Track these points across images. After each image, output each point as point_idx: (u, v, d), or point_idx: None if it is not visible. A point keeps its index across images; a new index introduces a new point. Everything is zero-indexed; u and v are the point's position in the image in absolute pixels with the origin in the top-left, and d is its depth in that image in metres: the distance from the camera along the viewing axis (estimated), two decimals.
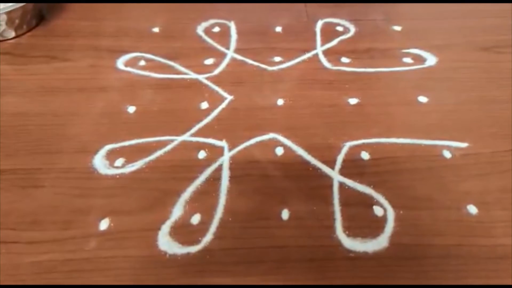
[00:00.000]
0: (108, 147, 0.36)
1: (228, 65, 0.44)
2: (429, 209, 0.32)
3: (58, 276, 0.28)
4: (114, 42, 0.47)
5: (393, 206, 0.32)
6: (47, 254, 0.29)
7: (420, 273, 0.28)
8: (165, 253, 0.29)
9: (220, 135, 0.37)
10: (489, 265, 0.28)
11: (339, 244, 0.30)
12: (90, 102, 0.40)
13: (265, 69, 0.44)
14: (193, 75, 0.43)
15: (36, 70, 0.44)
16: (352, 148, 0.36)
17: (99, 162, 0.35)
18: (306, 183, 0.33)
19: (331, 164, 0.35)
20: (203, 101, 0.40)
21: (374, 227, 0.30)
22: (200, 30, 0.49)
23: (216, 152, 0.36)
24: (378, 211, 0.31)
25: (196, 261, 0.29)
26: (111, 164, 0.35)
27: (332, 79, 0.43)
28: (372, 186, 0.33)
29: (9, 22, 0.46)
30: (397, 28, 0.49)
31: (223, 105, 0.40)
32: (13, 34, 0.47)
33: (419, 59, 0.45)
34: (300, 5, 0.53)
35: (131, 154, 0.35)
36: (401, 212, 0.31)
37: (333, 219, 0.31)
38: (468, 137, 0.37)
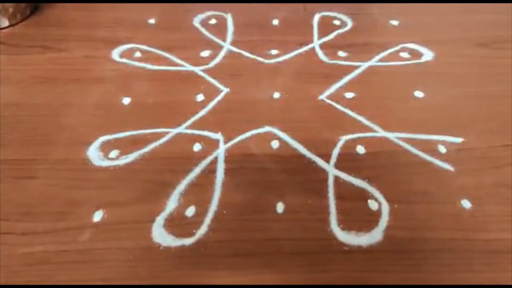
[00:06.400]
0: (103, 138, 0.36)
1: (224, 57, 0.44)
2: (424, 203, 0.32)
3: (51, 268, 0.28)
4: (110, 33, 0.47)
5: (388, 200, 0.32)
6: (40, 245, 0.29)
7: (414, 267, 0.28)
8: (159, 245, 0.29)
9: (215, 128, 0.37)
10: (482, 259, 0.28)
11: (333, 237, 0.30)
12: (84, 93, 0.40)
13: (261, 62, 0.44)
14: (189, 67, 0.43)
15: (30, 60, 0.43)
16: (347, 142, 0.36)
17: (93, 153, 0.34)
18: (301, 177, 0.33)
19: (327, 158, 0.34)
20: (198, 93, 0.40)
21: (368, 220, 0.31)
22: (196, 22, 0.49)
23: (212, 145, 0.35)
24: (372, 205, 0.31)
25: (190, 253, 0.29)
26: (106, 156, 0.34)
27: (328, 73, 0.42)
28: (367, 180, 0.33)
29: (3, 10, 0.46)
30: (395, 22, 0.49)
31: (219, 97, 0.40)
32: (6, 23, 0.47)
33: (416, 54, 0.45)
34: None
35: (125, 146, 0.35)
36: (396, 206, 0.31)
37: (327, 213, 0.31)
38: (463, 132, 0.37)
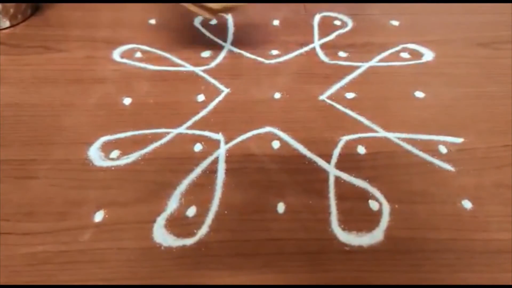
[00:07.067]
0: (104, 139, 0.36)
1: (225, 57, 0.44)
2: (424, 203, 0.32)
3: (52, 268, 0.28)
4: (110, 33, 0.47)
5: (389, 200, 0.32)
6: (41, 245, 0.29)
7: (415, 267, 0.28)
8: (160, 245, 0.29)
9: (216, 128, 0.37)
10: (483, 259, 0.28)
11: (334, 237, 0.30)
12: (85, 93, 0.40)
13: (262, 62, 0.44)
14: (189, 68, 0.43)
15: (31, 60, 0.43)
16: (348, 142, 0.36)
17: (94, 153, 0.35)
18: (302, 177, 0.33)
19: (327, 158, 0.34)
20: (199, 94, 0.40)
21: (369, 221, 0.31)
22: (197, 22, 0.49)
23: (212, 145, 0.35)
24: (373, 205, 0.31)
25: (192, 254, 0.29)
26: (106, 156, 0.34)
27: (329, 73, 0.42)
28: (367, 180, 0.33)
29: (4, 11, 0.46)
30: (395, 23, 0.49)
31: (220, 98, 0.40)
32: (7, 24, 0.47)
33: (416, 54, 0.45)
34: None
35: (126, 146, 0.35)
36: (397, 206, 0.31)
37: (328, 213, 0.31)
38: (464, 132, 0.37)
